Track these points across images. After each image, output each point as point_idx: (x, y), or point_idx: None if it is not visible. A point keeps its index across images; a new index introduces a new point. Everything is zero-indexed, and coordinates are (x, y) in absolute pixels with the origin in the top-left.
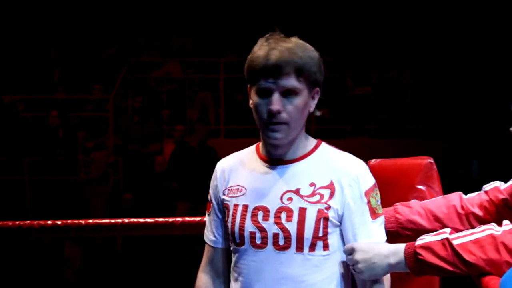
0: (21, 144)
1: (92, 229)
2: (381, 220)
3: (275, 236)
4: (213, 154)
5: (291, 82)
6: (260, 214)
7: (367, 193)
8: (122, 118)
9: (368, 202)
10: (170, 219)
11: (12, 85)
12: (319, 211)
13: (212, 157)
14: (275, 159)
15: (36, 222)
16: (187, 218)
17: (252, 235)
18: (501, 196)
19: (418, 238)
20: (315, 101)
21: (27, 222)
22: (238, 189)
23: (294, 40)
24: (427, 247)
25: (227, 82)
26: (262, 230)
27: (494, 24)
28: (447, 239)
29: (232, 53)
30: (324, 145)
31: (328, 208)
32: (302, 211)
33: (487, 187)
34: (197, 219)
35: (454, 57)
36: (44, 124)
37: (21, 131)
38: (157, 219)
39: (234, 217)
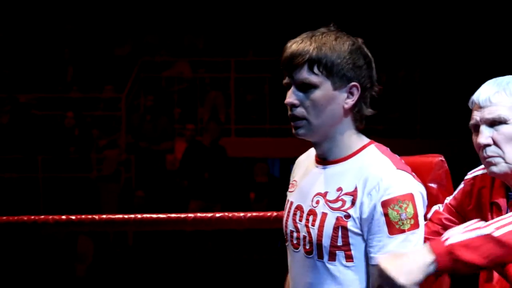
0: (35, 142)
1: (105, 224)
2: (403, 237)
3: (304, 238)
4: (223, 153)
5: (304, 74)
6: (298, 214)
7: (384, 204)
8: (134, 116)
9: (386, 214)
10: (182, 215)
11: (27, 84)
12: (338, 218)
13: (222, 156)
14: (321, 158)
15: (51, 217)
16: (199, 214)
17: (291, 234)
18: (443, 217)
19: (445, 235)
20: (354, 98)
21: (42, 217)
22: (293, 184)
23: (335, 34)
24: (463, 245)
25: (237, 82)
26: (297, 230)
27: (503, 22)
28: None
29: (243, 52)
30: (372, 146)
31: (348, 216)
32: (323, 216)
33: (429, 214)
34: (209, 215)
35: (463, 56)
36: (59, 123)
37: (35, 129)
38: (169, 215)
39: (284, 213)
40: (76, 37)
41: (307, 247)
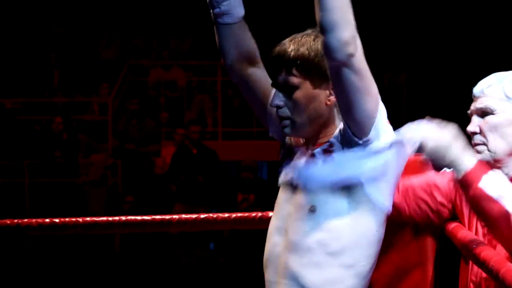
0: (21, 148)
1: (89, 226)
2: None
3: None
4: (213, 156)
5: (283, 76)
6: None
7: None
8: (121, 120)
9: None
10: (167, 217)
11: (12, 89)
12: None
13: (212, 159)
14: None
15: (34, 220)
16: (183, 216)
17: None
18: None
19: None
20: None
21: (25, 220)
22: None
23: (315, 35)
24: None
25: (224, 85)
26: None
27: (489, 26)
28: None
29: None
30: None
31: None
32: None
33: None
34: (194, 216)
35: (449, 59)
36: (45, 127)
37: (20, 135)
38: (154, 217)
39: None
40: (63, 41)
41: None
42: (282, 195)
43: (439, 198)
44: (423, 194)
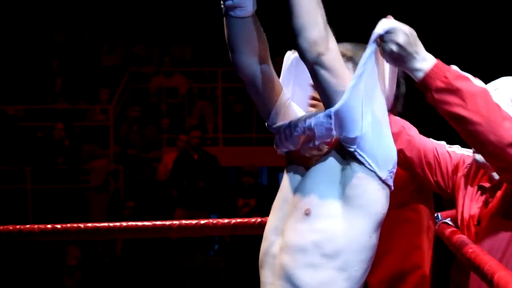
0: (23, 154)
1: (91, 232)
2: None
3: None
4: (214, 162)
5: None
6: None
7: None
8: (122, 127)
9: None
10: (168, 222)
11: (15, 96)
12: None
13: (213, 165)
14: None
15: (36, 226)
16: (184, 221)
17: None
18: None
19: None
20: None
21: (27, 226)
22: None
23: None
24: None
25: (225, 91)
26: None
27: (492, 26)
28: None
29: (230, 62)
30: None
31: None
32: None
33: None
34: (194, 222)
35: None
36: (47, 134)
37: (23, 141)
38: (154, 222)
39: None
40: (65, 49)
41: None
42: (281, 195)
43: (449, 167)
44: (432, 160)
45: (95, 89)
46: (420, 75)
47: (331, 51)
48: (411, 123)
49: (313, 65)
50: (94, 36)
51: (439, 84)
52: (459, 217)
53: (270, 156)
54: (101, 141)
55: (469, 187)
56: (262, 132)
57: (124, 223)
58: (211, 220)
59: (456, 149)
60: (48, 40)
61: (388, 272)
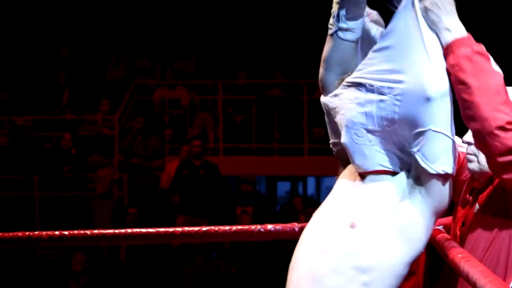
0: (32, 163)
1: (97, 238)
2: None
3: None
4: (215, 171)
5: None
6: None
7: None
8: (127, 137)
9: None
10: (171, 229)
11: (24, 107)
12: None
13: (214, 174)
14: None
15: (44, 232)
16: (186, 228)
17: None
18: None
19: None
20: None
21: (36, 233)
22: None
23: None
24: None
25: (225, 103)
26: None
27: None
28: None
29: (230, 75)
30: None
31: None
32: None
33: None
34: (196, 229)
35: None
36: (55, 144)
37: (31, 150)
38: (158, 229)
39: None
40: (72, 62)
41: None
42: (328, 203)
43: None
44: None
45: (101, 101)
46: (450, 38)
47: None
48: None
49: None
50: (99, 50)
51: (463, 51)
52: (453, 221)
53: (269, 166)
54: (106, 150)
55: (464, 191)
56: (261, 142)
57: (129, 230)
58: (212, 227)
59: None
60: (56, 54)
61: None
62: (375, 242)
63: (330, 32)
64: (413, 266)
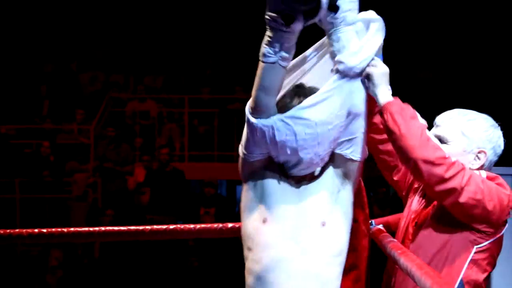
0: (13, 167)
1: (73, 235)
2: None
3: None
4: (181, 176)
5: None
6: None
7: None
8: (101, 144)
9: None
10: (141, 227)
11: (7, 117)
12: None
13: (180, 178)
14: None
15: (24, 230)
16: (155, 226)
17: None
18: None
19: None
20: None
21: (17, 230)
22: None
23: None
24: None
25: (190, 116)
26: None
27: (482, 26)
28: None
29: (195, 91)
30: None
31: None
32: None
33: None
34: (164, 227)
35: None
36: (35, 150)
37: (13, 156)
38: (129, 227)
39: None
40: (52, 76)
41: None
42: (280, 208)
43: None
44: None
45: (77, 110)
46: (384, 100)
47: None
48: None
49: None
50: (78, 65)
51: (395, 108)
52: (403, 219)
53: (229, 171)
54: (82, 157)
55: (419, 192)
56: (223, 150)
57: (103, 228)
58: (178, 226)
59: None
60: (39, 69)
61: None
62: (340, 231)
63: (269, 60)
64: (355, 259)
